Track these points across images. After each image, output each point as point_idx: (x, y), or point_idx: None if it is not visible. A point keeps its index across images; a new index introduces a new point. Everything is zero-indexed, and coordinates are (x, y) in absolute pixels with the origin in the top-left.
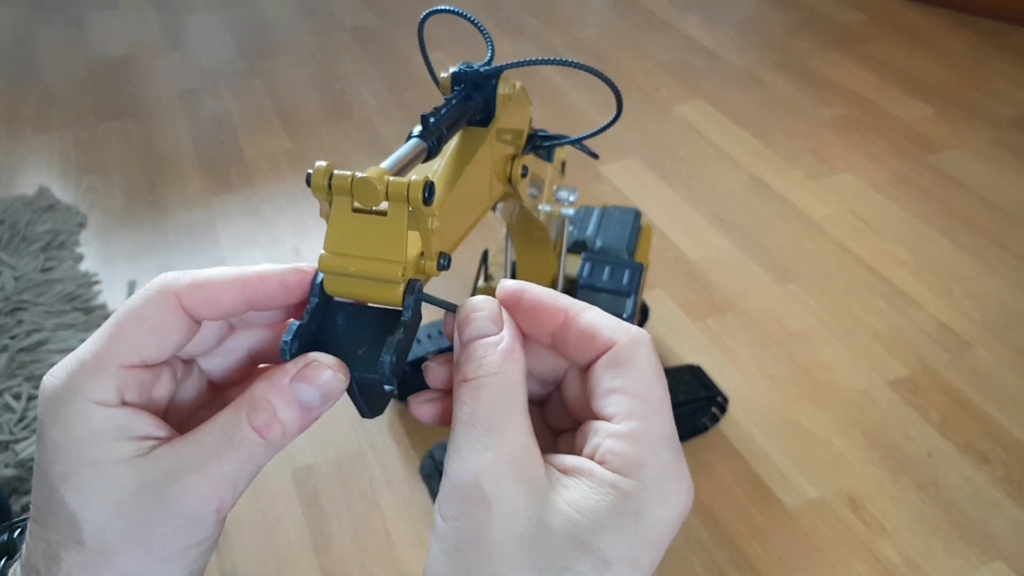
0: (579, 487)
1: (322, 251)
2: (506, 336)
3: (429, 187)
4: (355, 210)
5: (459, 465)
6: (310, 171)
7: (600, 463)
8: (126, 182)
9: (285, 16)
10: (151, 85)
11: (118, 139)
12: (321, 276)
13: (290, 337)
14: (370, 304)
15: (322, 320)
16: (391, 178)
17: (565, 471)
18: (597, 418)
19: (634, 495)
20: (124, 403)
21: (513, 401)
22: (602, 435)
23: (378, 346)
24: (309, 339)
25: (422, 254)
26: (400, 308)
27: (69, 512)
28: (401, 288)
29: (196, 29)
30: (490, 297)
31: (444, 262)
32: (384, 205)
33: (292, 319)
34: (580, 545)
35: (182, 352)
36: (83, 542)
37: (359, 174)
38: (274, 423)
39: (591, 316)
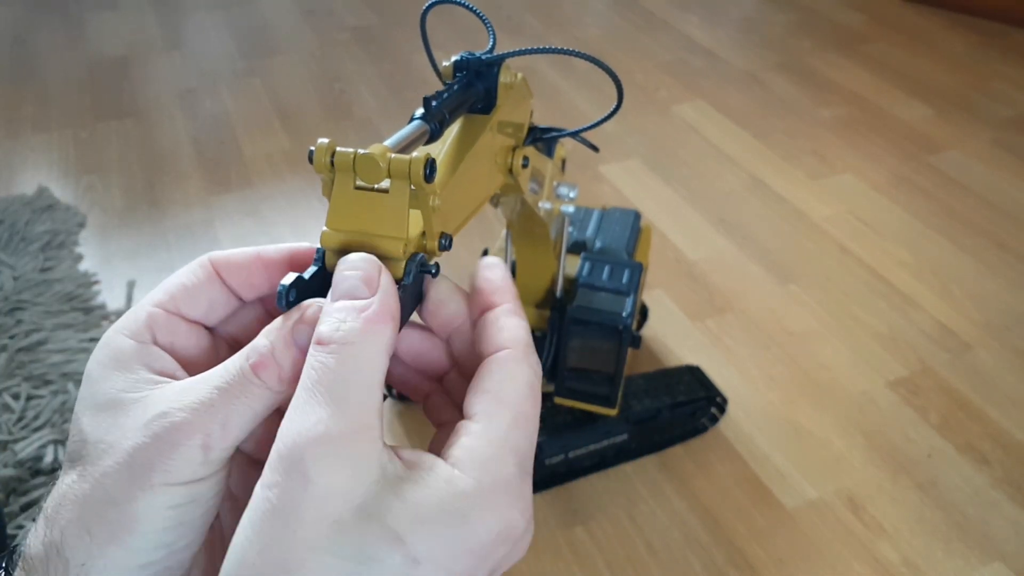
0: (414, 479)
1: (324, 227)
2: (375, 303)
3: (430, 164)
4: (357, 187)
5: (288, 432)
6: (312, 148)
7: (446, 459)
8: (125, 182)
9: (285, 16)
10: (151, 85)
11: (117, 139)
12: (323, 251)
13: (288, 283)
14: None
15: (321, 290)
16: (393, 155)
17: (408, 464)
18: (464, 416)
19: (466, 495)
20: (154, 342)
21: (364, 376)
22: (460, 433)
23: None
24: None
25: (424, 233)
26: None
27: (81, 435)
28: (403, 265)
29: (196, 29)
30: (372, 257)
31: (445, 242)
32: (386, 183)
33: (291, 271)
34: (394, 538)
35: (209, 320)
36: (83, 460)
37: (361, 151)
38: (270, 363)
39: (509, 321)
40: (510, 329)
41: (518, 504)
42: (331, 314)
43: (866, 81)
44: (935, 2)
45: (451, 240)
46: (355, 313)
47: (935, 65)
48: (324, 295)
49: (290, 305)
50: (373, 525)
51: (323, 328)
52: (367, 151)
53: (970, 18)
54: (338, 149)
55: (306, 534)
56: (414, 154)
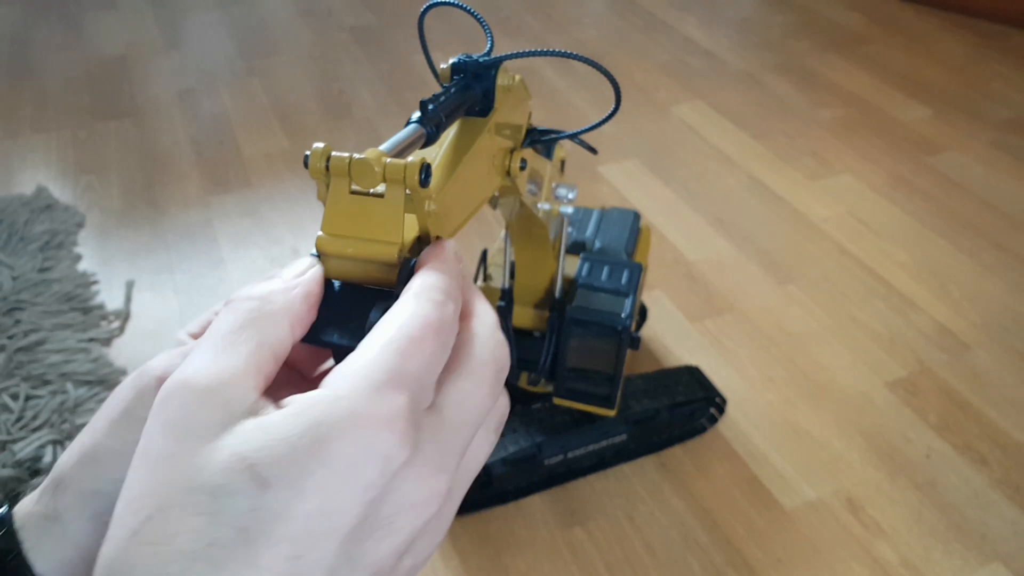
0: (279, 411)
1: (319, 232)
2: (298, 287)
3: (425, 168)
4: (352, 192)
5: (175, 372)
6: (307, 152)
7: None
8: (124, 182)
9: (284, 16)
10: (149, 85)
11: (116, 139)
12: (316, 255)
13: None
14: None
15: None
16: (388, 160)
17: (283, 405)
18: None
19: (318, 403)
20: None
21: (252, 335)
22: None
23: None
24: None
25: (419, 238)
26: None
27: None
28: (397, 270)
29: (194, 29)
30: (312, 261)
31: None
32: (382, 187)
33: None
34: (243, 464)
35: None
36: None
37: (356, 155)
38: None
39: (419, 275)
40: (416, 279)
41: (396, 427)
42: (259, 281)
43: (865, 82)
44: (934, 3)
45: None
46: (276, 283)
47: (934, 66)
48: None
49: None
50: (224, 453)
51: (242, 290)
52: (362, 156)
53: (969, 19)
54: (333, 154)
55: (160, 466)
56: (410, 158)
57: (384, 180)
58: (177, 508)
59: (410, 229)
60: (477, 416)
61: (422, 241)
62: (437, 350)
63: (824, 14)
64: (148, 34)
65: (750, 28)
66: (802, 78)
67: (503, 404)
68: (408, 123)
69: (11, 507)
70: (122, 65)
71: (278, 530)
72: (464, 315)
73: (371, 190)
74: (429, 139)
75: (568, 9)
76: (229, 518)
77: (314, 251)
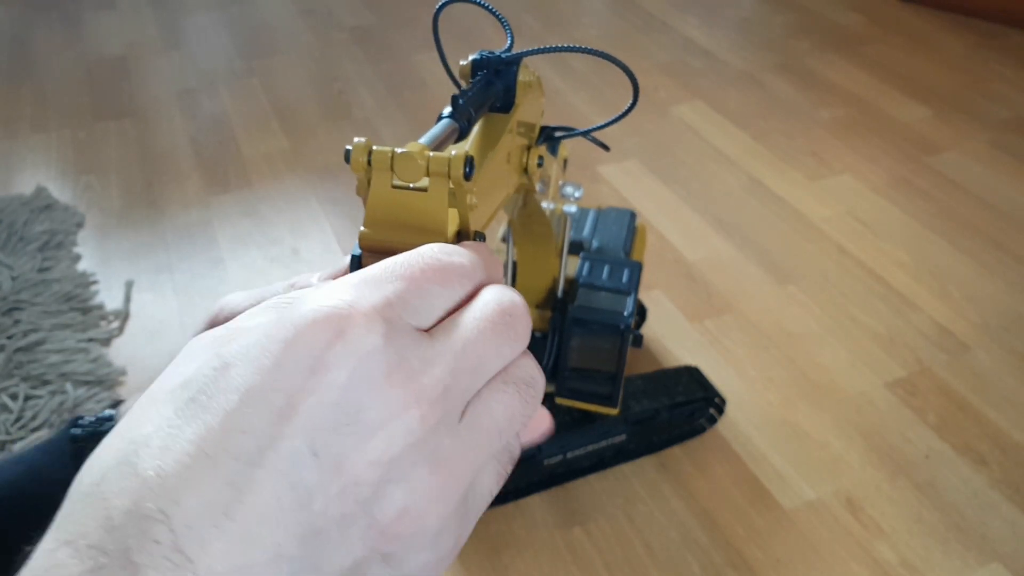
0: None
1: (362, 227)
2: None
3: (469, 161)
4: (394, 186)
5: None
6: (348, 147)
7: None
8: (124, 182)
9: (283, 16)
10: (149, 85)
11: (116, 139)
12: (359, 252)
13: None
14: None
15: None
16: (431, 153)
17: None
18: None
19: (293, 296)
20: None
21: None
22: None
23: None
24: None
25: (459, 232)
26: None
27: None
28: None
29: (194, 29)
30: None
31: (480, 240)
32: (424, 181)
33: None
34: (216, 357)
35: None
36: None
37: (399, 150)
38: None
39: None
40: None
41: (360, 312)
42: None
43: (865, 82)
44: (934, 3)
45: (484, 238)
46: (307, 279)
47: (934, 66)
48: None
49: None
50: (206, 353)
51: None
52: (405, 149)
53: (969, 19)
54: (375, 148)
55: (161, 382)
56: (451, 152)
57: (427, 174)
58: (153, 402)
59: (451, 223)
60: (475, 351)
61: (461, 235)
62: (433, 284)
63: (824, 14)
64: (148, 34)
65: (750, 28)
66: (802, 78)
67: (527, 365)
68: (440, 118)
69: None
70: (122, 65)
71: (218, 403)
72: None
73: (413, 184)
74: (462, 133)
75: (568, 9)
76: (188, 400)
77: (356, 250)
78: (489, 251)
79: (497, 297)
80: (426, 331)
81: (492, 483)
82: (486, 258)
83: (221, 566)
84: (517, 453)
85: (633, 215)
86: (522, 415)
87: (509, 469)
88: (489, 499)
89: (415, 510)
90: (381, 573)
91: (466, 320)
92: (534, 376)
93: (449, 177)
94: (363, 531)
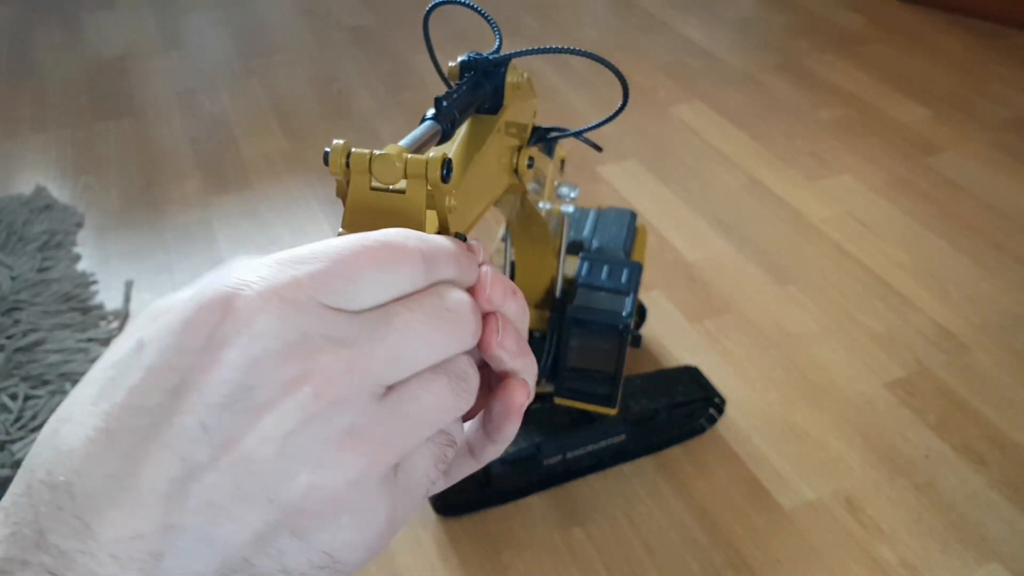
0: None
1: (340, 229)
2: None
3: (447, 164)
4: (373, 188)
5: None
6: (327, 149)
7: None
8: (123, 182)
9: (283, 16)
10: (148, 85)
11: (115, 139)
12: None
13: None
14: None
15: None
16: (409, 155)
17: None
18: None
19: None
20: None
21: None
22: None
23: None
24: None
25: (438, 234)
26: None
27: None
28: None
29: (193, 29)
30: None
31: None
32: (402, 183)
33: None
34: (136, 338)
35: None
36: None
37: (377, 152)
38: None
39: None
40: None
41: (264, 270)
42: None
43: (864, 82)
44: (933, 3)
45: (466, 240)
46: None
47: (933, 67)
48: None
49: None
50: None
51: None
52: (383, 152)
53: (968, 19)
54: (353, 150)
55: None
56: (430, 154)
57: (405, 176)
58: (87, 382)
59: (429, 225)
60: (399, 339)
61: None
62: (368, 268)
63: (824, 14)
64: (147, 34)
65: (749, 28)
66: (801, 78)
67: (462, 361)
68: (423, 120)
69: None
70: (121, 65)
71: (126, 382)
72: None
73: (391, 186)
74: (444, 136)
75: (568, 9)
76: (108, 379)
77: None
78: (466, 250)
79: (443, 293)
80: (354, 314)
81: (429, 467)
82: (459, 255)
83: (116, 534)
84: (459, 440)
85: (633, 215)
86: (453, 407)
87: (450, 455)
88: (428, 483)
89: (322, 485)
90: (293, 547)
91: (396, 308)
92: (467, 372)
93: (427, 179)
94: (263, 505)
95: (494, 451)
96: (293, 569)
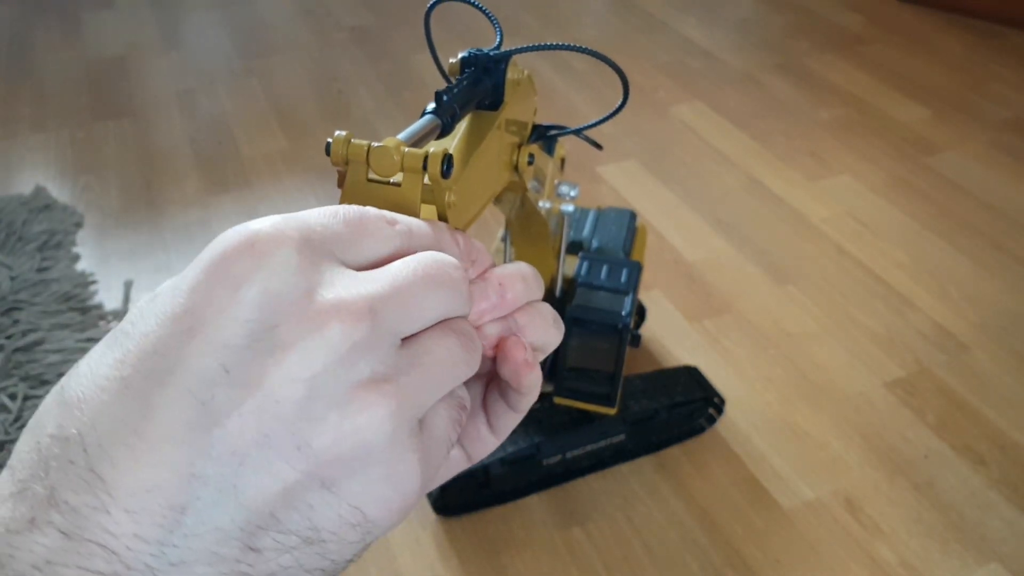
0: None
1: None
2: None
3: (448, 159)
4: (370, 180)
5: None
6: (329, 140)
7: None
8: (123, 182)
9: (283, 15)
10: (148, 84)
11: (115, 139)
12: None
13: None
14: None
15: None
16: (407, 149)
17: None
18: None
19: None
20: None
21: None
22: None
23: None
24: None
25: None
26: None
27: None
28: None
29: (193, 28)
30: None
31: None
32: (399, 176)
33: None
34: (152, 293)
35: None
36: None
37: (375, 144)
38: None
39: None
40: None
41: (281, 220)
42: None
43: (864, 82)
44: (932, 3)
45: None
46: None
47: (932, 67)
48: None
49: None
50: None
51: None
52: (381, 144)
53: (968, 19)
54: (353, 141)
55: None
56: (429, 148)
57: (402, 169)
58: (101, 342)
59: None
60: (406, 289)
61: None
62: (366, 231)
63: (823, 14)
64: (147, 34)
65: (749, 28)
66: (801, 78)
67: (466, 324)
68: (423, 114)
69: None
70: (121, 65)
71: (138, 330)
72: None
73: (390, 179)
74: (444, 130)
75: (567, 9)
76: (119, 332)
77: None
78: (450, 233)
79: (435, 255)
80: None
81: (449, 428)
82: (442, 235)
83: (132, 486)
84: (468, 406)
85: (633, 215)
86: (464, 361)
87: (463, 420)
88: (448, 446)
89: (354, 429)
90: (322, 501)
91: (397, 264)
92: (470, 331)
93: (426, 173)
94: (291, 453)
95: (514, 419)
96: (322, 527)
